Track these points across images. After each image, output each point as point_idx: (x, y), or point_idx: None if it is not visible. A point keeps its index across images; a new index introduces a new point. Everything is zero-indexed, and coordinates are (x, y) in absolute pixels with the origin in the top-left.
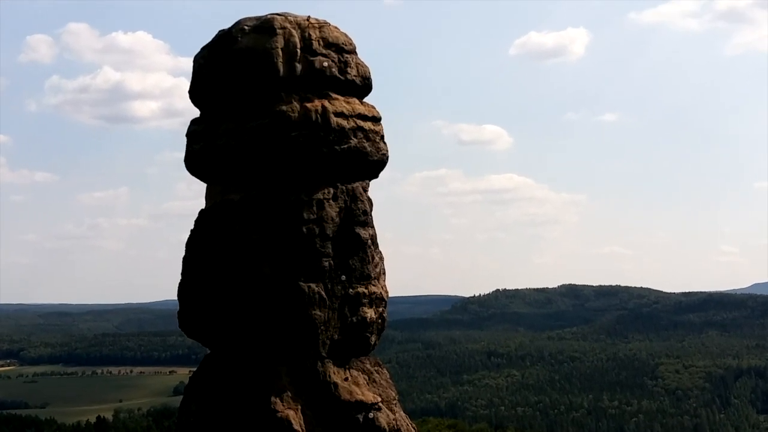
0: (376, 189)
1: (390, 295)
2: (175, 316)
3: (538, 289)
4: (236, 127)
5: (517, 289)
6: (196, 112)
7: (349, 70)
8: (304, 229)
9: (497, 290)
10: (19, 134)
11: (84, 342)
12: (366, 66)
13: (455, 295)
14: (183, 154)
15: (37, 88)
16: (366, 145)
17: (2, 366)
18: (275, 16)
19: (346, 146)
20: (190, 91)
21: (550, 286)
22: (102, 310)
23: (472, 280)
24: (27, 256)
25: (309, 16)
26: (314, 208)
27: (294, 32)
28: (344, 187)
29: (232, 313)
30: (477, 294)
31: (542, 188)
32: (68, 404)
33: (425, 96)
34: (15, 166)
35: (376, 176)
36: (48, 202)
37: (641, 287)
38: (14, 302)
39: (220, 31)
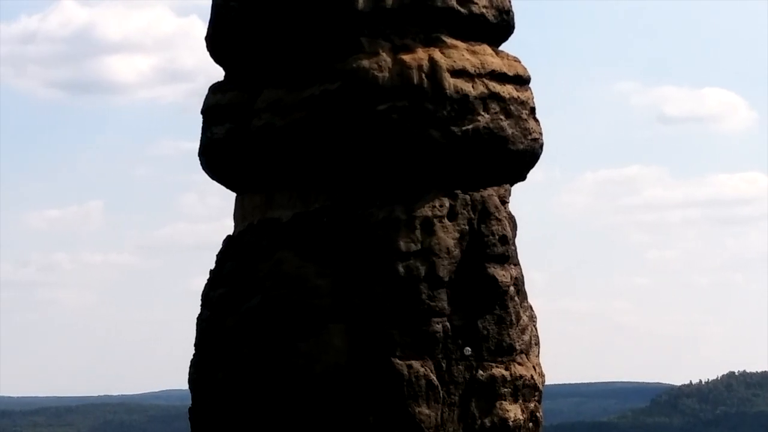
0: (519, 199)
1: (547, 381)
2: (183, 417)
3: None
4: (286, 97)
5: (767, 373)
6: (216, 75)
7: None
8: (401, 269)
9: (731, 374)
10: None
11: None
12: None
13: (656, 383)
14: (195, 144)
15: None
16: (505, 124)
17: None
18: None
19: (471, 127)
20: (208, 38)
21: None
22: (61, 408)
23: (686, 358)
24: None
25: None
26: (418, 233)
27: None
28: (468, 197)
29: (277, 414)
30: (696, 381)
31: None
32: None
33: (602, 40)
34: None
35: (523, 177)
36: None
37: None
38: None
39: None
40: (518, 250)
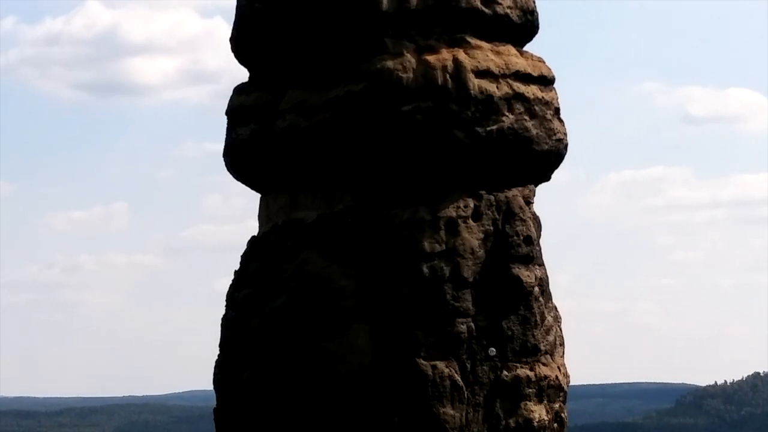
0: (544, 200)
1: (571, 382)
2: (208, 417)
3: None
4: (310, 98)
5: None
6: (240, 76)
7: None
8: (425, 270)
9: (756, 375)
10: None
11: None
12: None
13: (681, 384)
14: (220, 146)
15: None
16: (529, 124)
17: None
18: None
19: (495, 127)
20: (232, 39)
21: None
22: (86, 408)
23: (711, 358)
24: None
25: None
26: (442, 234)
27: None
28: (493, 198)
29: (302, 414)
30: (720, 381)
31: None
32: None
33: (626, 40)
34: None
35: (548, 178)
36: None
37: None
38: None
39: None
40: (543, 251)
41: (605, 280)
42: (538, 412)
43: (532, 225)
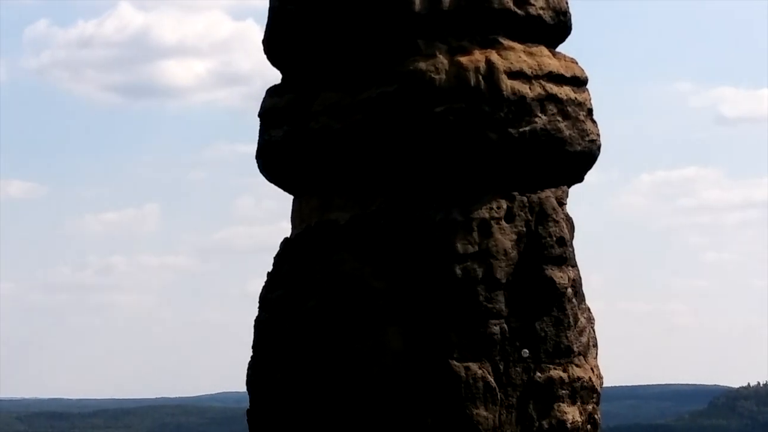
0: (576, 201)
1: (604, 383)
2: (240, 419)
3: None
4: (343, 100)
5: None
6: (272, 78)
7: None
8: (458, 271)
9: None
10: None
11: None
12: None
13: (714, 385)
14: (253, 147)
15: (9, 41)
16: (562, 125)
17: None
18: None
19: (528, 128)
20: (265, 41)
21: None
22: (119, 410)
23: (744, 360)
24: None
25: None
26: (475, 235)
27: None
28: (525, 199)
29: (335, 416)
30: (754, 383)
31: None
32: None
33: (659, 41)
34: None
35: (581, 179)
36: (30, 231)
37: None
38: None
39: None
40: (576, 252)
41: (638, 281)
42: (572, 413)
43: (565, 226)
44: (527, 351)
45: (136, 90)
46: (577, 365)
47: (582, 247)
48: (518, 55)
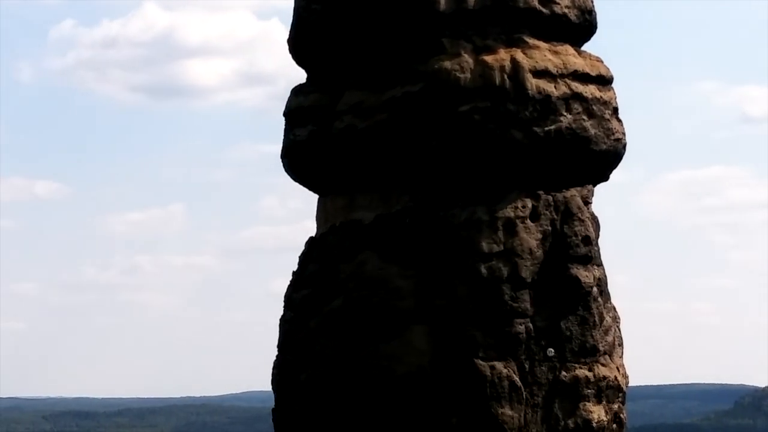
0: (602, 200)
1: (629, 383)
2: (265, 418)
3: None
4: (367, 99)
5: None
6: (297, 78)
7: None
8: (483, 270)
9: None
10: (7, 119)
11: None
12: None
13: (740, 385)
14: (278, 147)
15: (35, 42)
16: (587, 124)
17: None
18: None
19: (553, 127)
20: (290, 41)
21: None
22: (144, 409)
23: None
24: (22, 319)
25: None
26: (500, 234)
27: None
28: (551, 198)
29: (360, 415)
30: None
31: None
32: None
33: (684, 39)
34: (3, 171)
35: (606, 178)
36: (55, 231)
37: None
38: (4, 395)
39: None
40: (601, 251)
41: (663, 281)
42: (597, 412)
43: (590, 225)
44: (553, 350)
45: (161, 90)
46: (602, 364)
47: (607, 246)
48: (543, 54)
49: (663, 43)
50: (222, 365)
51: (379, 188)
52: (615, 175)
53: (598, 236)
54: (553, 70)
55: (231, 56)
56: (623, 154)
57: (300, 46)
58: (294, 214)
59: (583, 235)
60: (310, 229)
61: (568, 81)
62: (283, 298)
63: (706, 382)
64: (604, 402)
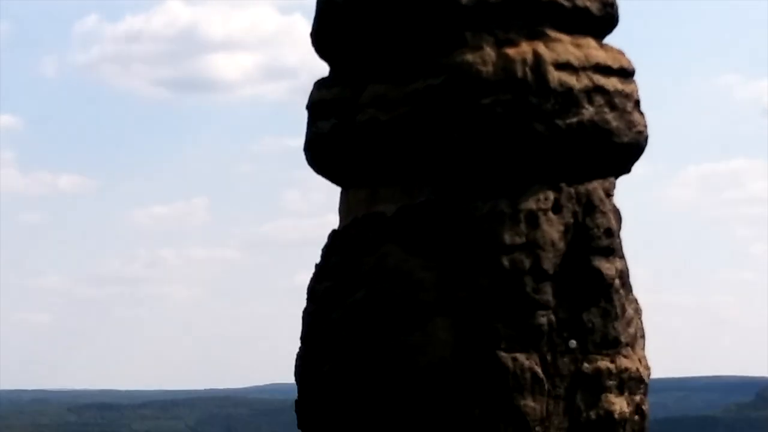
0: (623, 192)
1: (651, 375)
2: (288, 411)
3: None
4: (390, 92)
5: None
6: (320, 72)
7: None
8: (506, 262)
9: None
10: (32, 114)
11: None
12: None
13: (761, 377)
14: (300, 141)
15: (59, 37)
16: (609, 117)
17: None
18: None
19: (575, 120)
20: (313, 35)
21: None
22: (168, 401)
23: None
24: (48, 312)
25: None
26: (522, 227)
27: None
28: (573, 190)
29: (383, 407)
30: None
31: None
32: None
33: (706, 32)
34: (28, 165)
35: (628, 170)
36: (80, 224)
37: None
38: (30, 387)
39: None
40: (623, 243)
41: (685, 273)
42: (619, 404)
43: (612, 217)
44: (575, 342)
45: (185, 84)
46: (624, 356)
47: (629, 239)
48: (565, 47)
49: (685, 36)
50: (246, 358)
51: (401, 181)
52: (636, 167)
53: (620, 228)
54: (575, 63)
55: (254, 50)
56: (645, 146)
57: (323, 39)
58: (317, 207)
59: (605, 227)
60: (333, 222)
61: (590, 74)
62: (306, 291)
63: (728, 374)
64: (626, 393)
